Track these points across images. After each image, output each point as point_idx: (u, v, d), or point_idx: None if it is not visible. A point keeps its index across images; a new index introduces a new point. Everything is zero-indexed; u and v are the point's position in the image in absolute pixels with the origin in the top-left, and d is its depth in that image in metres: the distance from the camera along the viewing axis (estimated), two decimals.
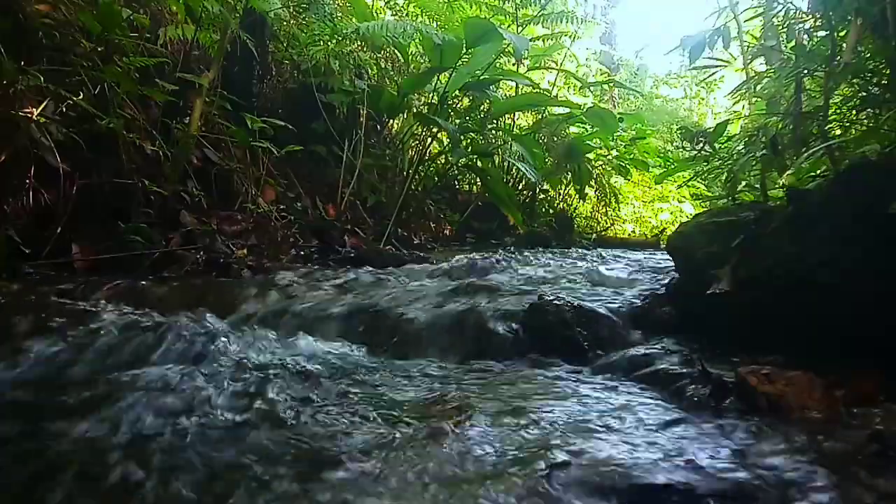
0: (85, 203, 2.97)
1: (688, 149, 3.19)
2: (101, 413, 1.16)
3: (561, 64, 7.94)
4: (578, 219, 8.16)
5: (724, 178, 3.04)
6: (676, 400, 1.40)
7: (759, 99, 3.82)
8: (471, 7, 6.66)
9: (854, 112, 2.65)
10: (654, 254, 5.28)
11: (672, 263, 2.32)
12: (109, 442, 1.05)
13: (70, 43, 3.12)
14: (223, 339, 1.64)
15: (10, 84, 2.71)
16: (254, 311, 2.26)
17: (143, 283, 2.60)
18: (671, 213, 9.03)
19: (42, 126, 2.85)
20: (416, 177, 5.75)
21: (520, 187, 7.22)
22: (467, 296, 2.46)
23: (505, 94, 6.75)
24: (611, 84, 10.35)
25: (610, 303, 2.19)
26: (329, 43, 5.04)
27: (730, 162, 2.94)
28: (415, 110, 5.88)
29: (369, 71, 5.69)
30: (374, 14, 5.93)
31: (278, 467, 0.98)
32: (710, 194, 6.46)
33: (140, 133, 3.39)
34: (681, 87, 16.86)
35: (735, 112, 6.01)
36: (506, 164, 6.73)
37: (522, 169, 5.79)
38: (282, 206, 4.34)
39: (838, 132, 2.67)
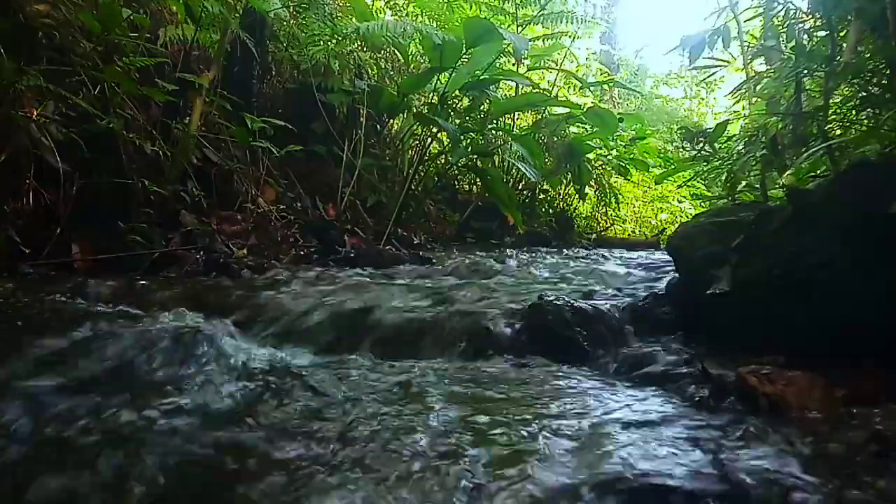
0: (85, 203, 2.97)
1: (688, 149, 3.19)
2: (99, 414, 1.16)
3: (561, 64, 7.94)
4: (578, 219, 8.16)
5: (724, 178, 3.04)
6: (676, 400, 1.40)
7: (759, 99, 3.82)
8: (471, 7, 6.66)
9: (854, 112, 2.65)
10: (654, 254, 5.29)
11: (672, 263, 2.31)
12: (116, 438, 1.05)
13: (70, 43, 3.12)
14: (220, 341, 1.63)
15: (9, 84, 2.71)
16: (252, 312, 2.26)
17: (143, 283, 2.59)
18: (671, 213, 9.03)
19: (42, 126, 2.85)
20: (416, 177, 5.75)
21: (520, 187, 7.23)
22: (467, 296, 2.46)
23: (505, 94, 6.75)
24: (611, 84, 10.33)
25: (610, 302, 2.19)
26: (329, 43, 5.04)
27: (730, 162, 2.94)
28: (415, 110, 5.87)
29: (369, 71, 5.69)
30: (374, 14, 5.92)
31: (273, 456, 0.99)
32: (710, 194, 6.46)
33: (140, 133, 3.39)
34: (681, 87, 16.86)
35: (735, 112, 6.00)
36: (506, 164, 6.73)
37: (522, 169, 5.78)
38: (282, 206, 4.34)
39: (838, 132, 2.67)
